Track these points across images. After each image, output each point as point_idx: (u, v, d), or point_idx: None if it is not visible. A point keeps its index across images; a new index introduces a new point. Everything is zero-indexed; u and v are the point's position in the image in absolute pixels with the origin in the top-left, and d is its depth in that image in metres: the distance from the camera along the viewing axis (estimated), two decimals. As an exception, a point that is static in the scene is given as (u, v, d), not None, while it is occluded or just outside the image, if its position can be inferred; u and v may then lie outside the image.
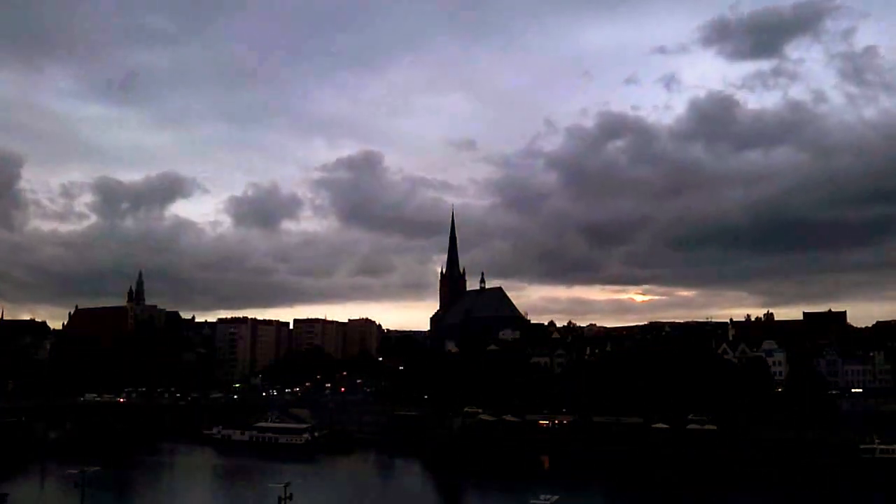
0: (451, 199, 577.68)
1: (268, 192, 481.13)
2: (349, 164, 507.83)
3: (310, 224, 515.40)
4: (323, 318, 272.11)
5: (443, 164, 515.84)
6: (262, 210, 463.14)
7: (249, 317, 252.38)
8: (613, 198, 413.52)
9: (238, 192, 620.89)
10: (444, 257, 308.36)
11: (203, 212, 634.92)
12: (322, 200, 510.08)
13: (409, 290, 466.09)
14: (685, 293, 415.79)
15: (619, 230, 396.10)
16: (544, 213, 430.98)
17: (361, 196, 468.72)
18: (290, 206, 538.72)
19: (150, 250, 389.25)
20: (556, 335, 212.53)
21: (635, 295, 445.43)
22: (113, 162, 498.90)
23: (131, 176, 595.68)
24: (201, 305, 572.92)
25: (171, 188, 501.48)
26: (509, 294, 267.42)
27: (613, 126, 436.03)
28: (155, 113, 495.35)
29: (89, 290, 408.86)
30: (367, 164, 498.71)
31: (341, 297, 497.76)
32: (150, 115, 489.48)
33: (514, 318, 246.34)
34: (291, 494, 41.02)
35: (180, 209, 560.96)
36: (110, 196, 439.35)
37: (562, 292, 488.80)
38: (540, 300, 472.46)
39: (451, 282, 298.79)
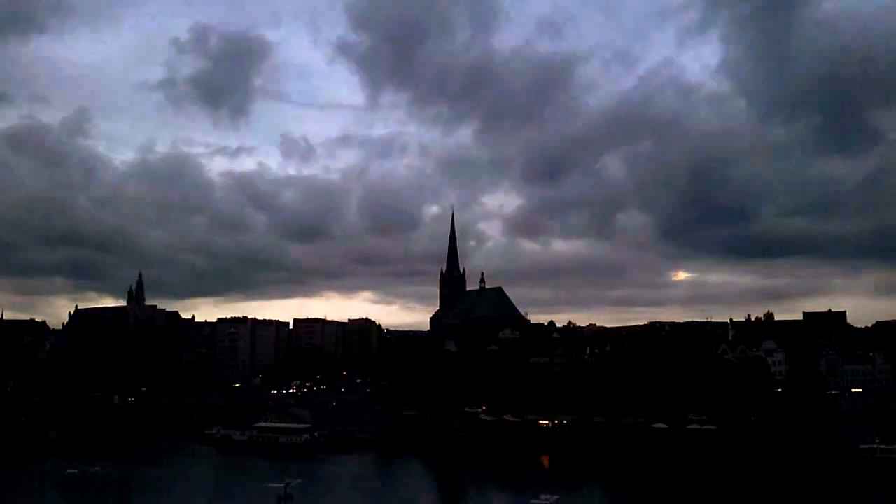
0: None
1: (231, 31, 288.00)
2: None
3: (310, 98, 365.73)
4: (323, 318, 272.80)
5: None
6: (217, 77, 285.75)
7: (249, 316, 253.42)
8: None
9: (167, 30, 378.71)
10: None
11: (106, 82, 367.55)
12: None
13: (429, 264, 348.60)
14: (788, 278, 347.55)
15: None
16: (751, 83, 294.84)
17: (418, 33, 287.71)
18: (269, 55, 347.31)
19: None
20: (556, 335, 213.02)
21: (718, 279, 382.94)
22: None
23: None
24: (153, 292, 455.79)
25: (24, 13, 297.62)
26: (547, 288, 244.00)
27: None
28: None
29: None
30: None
31: (341, 277, 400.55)
32: None
33: (515, 318, 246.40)
34: (291, 494, 41.17)
35: (45, 54, 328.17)
36: None
37: (649, 274, 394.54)
38: (609, 296, 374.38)
39: (451, 282, 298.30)
